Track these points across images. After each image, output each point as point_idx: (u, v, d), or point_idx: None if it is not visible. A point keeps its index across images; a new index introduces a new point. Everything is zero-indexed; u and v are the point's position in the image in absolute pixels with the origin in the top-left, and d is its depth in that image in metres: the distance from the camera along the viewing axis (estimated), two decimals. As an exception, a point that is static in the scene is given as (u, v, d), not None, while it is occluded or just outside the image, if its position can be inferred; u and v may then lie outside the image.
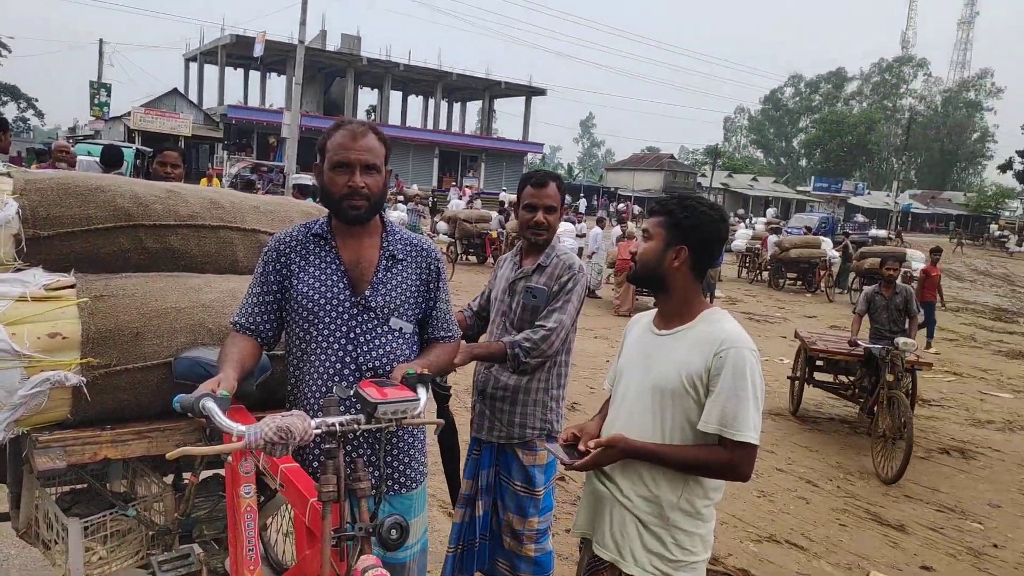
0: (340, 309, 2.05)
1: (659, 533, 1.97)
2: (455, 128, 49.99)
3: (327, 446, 1.60)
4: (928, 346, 11.65)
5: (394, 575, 1.92)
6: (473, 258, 18.88)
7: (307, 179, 11.01)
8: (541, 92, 48.92)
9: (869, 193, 69.96)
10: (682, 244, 2.00)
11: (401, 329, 2.11)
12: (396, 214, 19.08)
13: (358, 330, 2.06)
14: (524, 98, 48.98)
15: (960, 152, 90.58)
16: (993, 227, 52.98)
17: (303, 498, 1.65)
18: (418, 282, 2.19)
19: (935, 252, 13.02)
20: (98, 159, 7.64)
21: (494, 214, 20.49)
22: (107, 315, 2.15)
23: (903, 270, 15.11)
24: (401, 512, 1.74)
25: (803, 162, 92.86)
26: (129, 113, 32.89)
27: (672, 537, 1.97)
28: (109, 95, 34.37)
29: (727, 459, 1.89)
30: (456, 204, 26.19)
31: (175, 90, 37.07)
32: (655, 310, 2.19)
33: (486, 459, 2.91)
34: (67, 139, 36.14)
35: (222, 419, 1.54)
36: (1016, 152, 53.07)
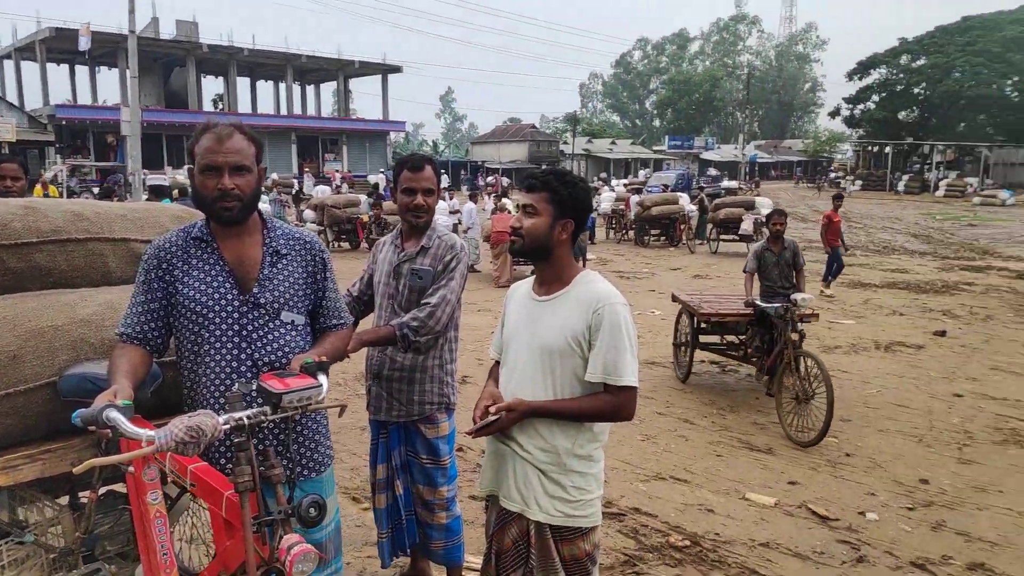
0: (229, 309, 2.08)
1: (558, 479, 2.17)
2: (311, 112, 48.44)
3: (237, 440, 1.66)
4: (828, 287, 12.21)
5: None
6: (346, 244, 18.55)
7: (162, 179, 10.41)
8: (397, 70, 48.25)
9: (719, 147, 74.34)
10: (568, 218, 2.20)
11: (293, 322, 2.16)
12: (261, 206, 18.37)
13: (249, 327, 2.10)
14: (380, 77, 48.13)
15: (795, 102, 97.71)
16: (833, 173, 57.69)
17: (218, 493, 1.70)
18: (304, 275, 2.24)
19: (837, 199, 13.03)
20: None
21: (363, 197, 20.18)
22: (-22, 341, 2.07)
23: (754, 217, 16.30)
24: (319, 493, 1.82)
25: (656, 123, 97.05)
26: (-62, 121, 29.57)
27: (570, 481, 2.17)
28: (-90, 102, 30.69)
29: (614, 403, 2.12)
30: (321, 190, 25.49)
31: (-9, 92, 33.65)
32: (531, 279, 2.38)
33: (394, 440, 3.01)
34: None
35: (128, 426, 1.56)
36: (843, 99, 57.85)
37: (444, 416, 3.02)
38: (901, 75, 53.68)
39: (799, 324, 5.93)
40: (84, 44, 31.67)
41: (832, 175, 56.59)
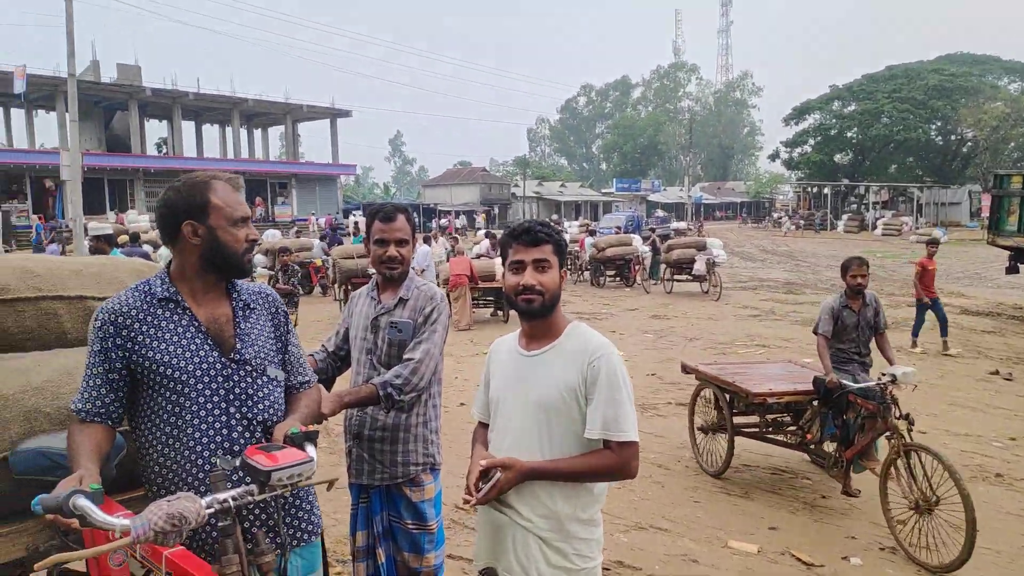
0: (213, 372, 1.91)
1: (560, 547, 2.02)
2: (258, 155, 47.88)
3: (222, 524, 1.48)
4: (915, 344, 10.64)
5: None
6: (299, 289, 18.13)
7: (107, 228, 10.01)
8: (346, 114, 48.22)
9: (665, 189, 76.20)
10: (564, 267, 2.10)
11: (277, 378, 2.05)
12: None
13: (237, 389, 1.94)
14: (329, 120, 48.01)
15: (736, 146, 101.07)
16: (776, 214, 59.51)
17: (200, 585, 1.51)
18: (271, 327, 2.13)
19: (932, 244, 10.92)
20: None
21: (316, 241, 19.87)
22: (-84, 416, 1.84)
23: (706, 257, 16.56)
24: (311, 561, 1.65)
25: (604, 166, 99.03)
26: None
27: (572, 548, 2.03)
28: None
29: (616, 460, 2.00)
30: (272, 234, 25.06)
31: (-80, 136, 32.32)
32: (514, 334, 2.26)
33: (376, 504, 2.81)
34: None
35: (99, 515, 1.37)
36: (780, 143, 60.04)
37: (430, 477, 2.85)
38: (834, 120, 56.08)
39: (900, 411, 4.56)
40: (19, 87, 30.80)
41: (776, 215, 58.37)
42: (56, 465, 1.88)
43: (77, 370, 2.16)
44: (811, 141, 57.09)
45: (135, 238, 13.38)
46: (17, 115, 40.71)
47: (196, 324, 1.96)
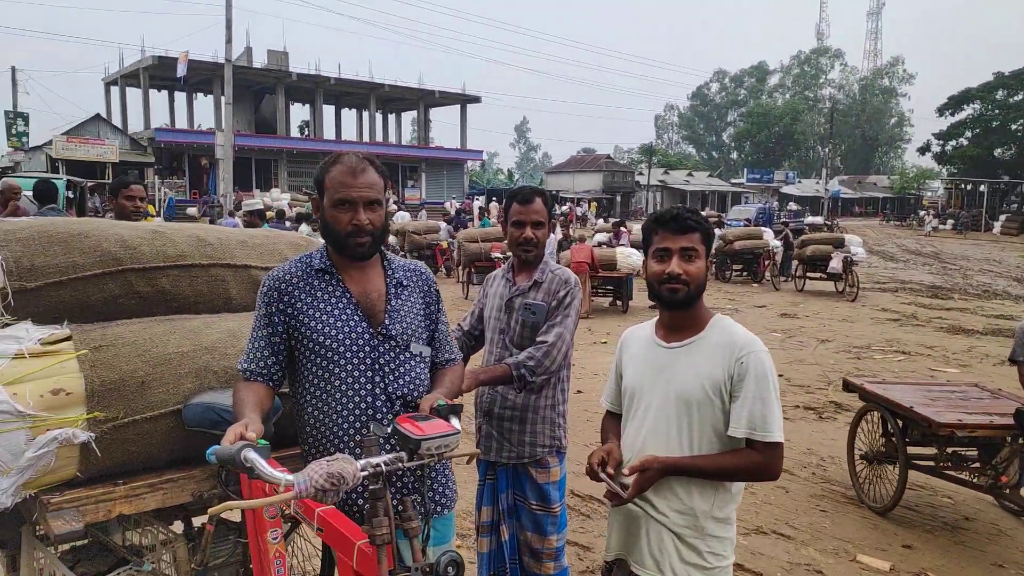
0: (361, 342, 2.03)
1: (695, 544, 2.00)
2: (391, 139, 49.67)
3: (373, 487, 1.57)
4: None
5: None
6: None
7: (259, 204, 10.75)
8: (476, 100, 49.03)
9: (800, 181, 72.47)
10: (709, 256, 2.07)
11: (421, 354, 2.13)
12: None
13: (382, 360, 2.04)
14: (459, 106, 49.01)
15: (880, 137, 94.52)
16: (922, 211, 55.34)
17: (348, 541, 1.61)
18: (422, 305, 2.20)
19: None
20: (31, 195, 7.09)
21: (442, 224, 20.43)
22: (109, 366, 2.07)
23: (844, 255, 15.67)
24: (443, 532, 1.73)
25: (734, 155, 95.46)
26: (51, 142, 31.59)
27: (707, 546, 2.00)
28: (27, 124, 32.91)
29: (760, 461, 1.94)
30: (401, 216, 25.98)
31: (97, 116, 35.78)
32: (648, 323, 2.23)
33: (502, 482, 2.89)
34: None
35: (267, 469, 1.49)
36: (932, 135, 55.63)
37: (555, 460, 2.89)
38: (997, 111, 51.24)
39: None
40: (181, 71, 33.44)
41: (922, 213, 54.26)
42: (222, 420, 2.06)
43: (242, 333, 2.35)
44: (968, 133, 52.49)
45: (280, 215, 14.26)
46: (179, 98, 44.27)
47: (348, 296, 2.07)
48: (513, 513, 2.92)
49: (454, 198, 42.62)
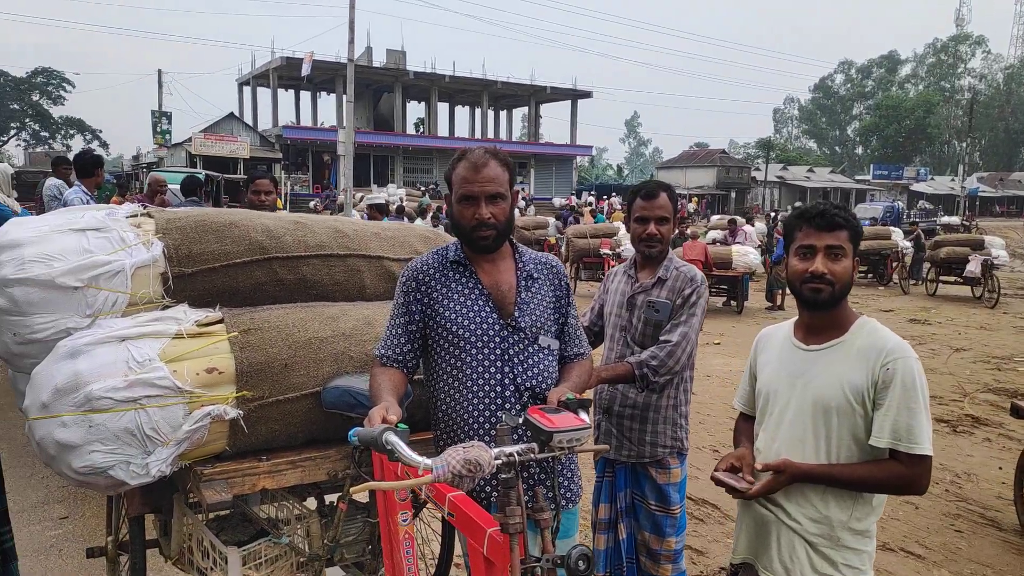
0: (491, 332, 2.07)
1: (829, 554, 1.91)
2: (502, 135, 50.25)
3: (504, 476, 1.59)
4: None
5: None
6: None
7: (381, 199, 11.17)
8: (587, 95, 48.79)
9: (932, 179, 67.65)
10: (857, 255, 1.97)
11: (549, 346, 2.15)
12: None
13: (511, 351, 2.08)
14: (570, 101, 48.93)
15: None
16: None
17: (479, 528, 1.65)
18: (552, 298, 2.22)
19: None
20: (179, 188, 7.91)
21: (551, 220, 20.48)
22: (257, 348, 2.21)
23: (983, 258, 14.53)
24: (567, 526, 1.74)
25: (859, 150, 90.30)
26: (190, 139, 34.00)
27: (842, 558, 1.91)
28: (170, 123, 35.60)
29: (905, 474, 1.83)
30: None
31: (231, 114, 38.18)
32: (787, 323, 2.14)
33: (621, 480, 2.88)
34: (132, 167, 37.56)
35: (407, 453, 1.55)
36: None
37: (676, 462, 2.83)
38: None
39: None
40: (306, 70, 35.11)
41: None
42: (358, 403, 2.15)
43: (376, 321, 2.45)
44: None
45: (400, 211, 14.72)
46: (305, 97, 46.58)
47: (480, 288, 2.12)
48: (631, 512, 2.89)
49: (572, 194, 42.60)
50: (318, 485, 2.51)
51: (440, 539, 2.95)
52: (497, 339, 2.08)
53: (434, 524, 3.18)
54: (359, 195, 24.88)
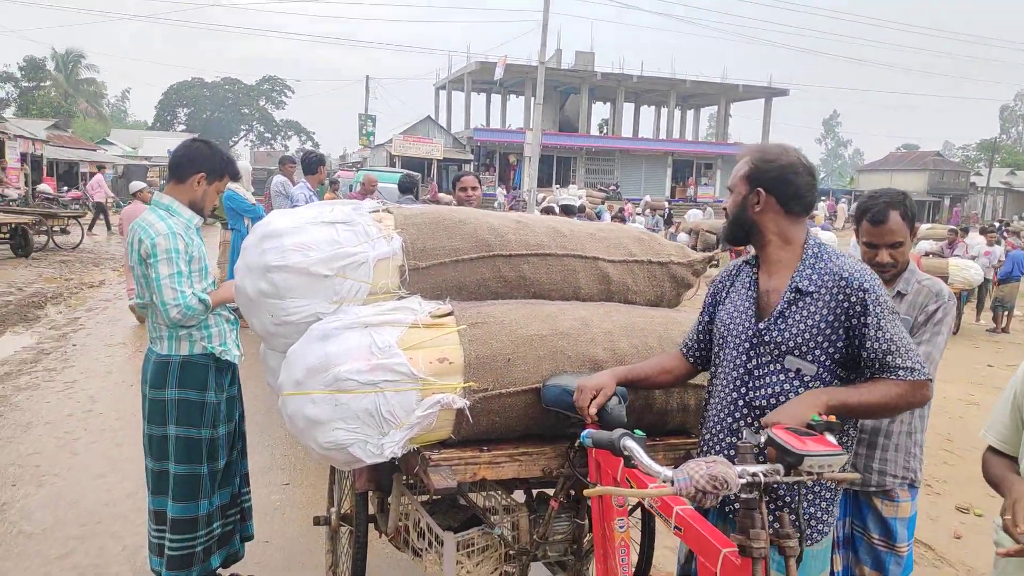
0: (742, 338, 1.99)
1: None
2: (688, 135, 48.89)
3: (745, 496, 1.50)
4: None
5: None
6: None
7: (571, 200, 11.28)
8: (782, 93, 46.17)
9: None
10: None
11: (799, 371, 1.88)
12: (639, 224, 18.98)
13: (752, 363, 1.96)
14: (763, 100, 46.58)
15: None
16: None
17: (713, 547, 1.57)
18: (830, 318, 1.86)
19: None
20: (397, 186, 8.68)
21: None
22: (483, 341, 2.27)
23: None
24: (823, 560, 1.60)
25: (1110, 153, 77.98)
26: (391, 140, 36.40)
27: None
28: (374, 125, 38.37)
29: None
30: (693, 214, 25.51)
31: (428, 117, 40.38)
32: None
33: (841, 508, 2.65)
34: (339, 166, 40.91)
35: (646, 460, 1.51)
36: None
37: (907, 495, 2.56)
38: None
39: None
40: (499, 74, 36.26)
41: None
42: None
43: (592, 321, 2.44)
44: None
45: (581, 209, 14.81)
46: (495, 100, 48.23)
47: (754, 290, 2.02)
48: (849, 544, 2.66)
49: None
50: (527, 479, 2.54)
51: (638, 546, 2.89)
52: (745, 346, 1.97)
53: (635, 532, 3.12)
54: (540, 195, 25.36)
